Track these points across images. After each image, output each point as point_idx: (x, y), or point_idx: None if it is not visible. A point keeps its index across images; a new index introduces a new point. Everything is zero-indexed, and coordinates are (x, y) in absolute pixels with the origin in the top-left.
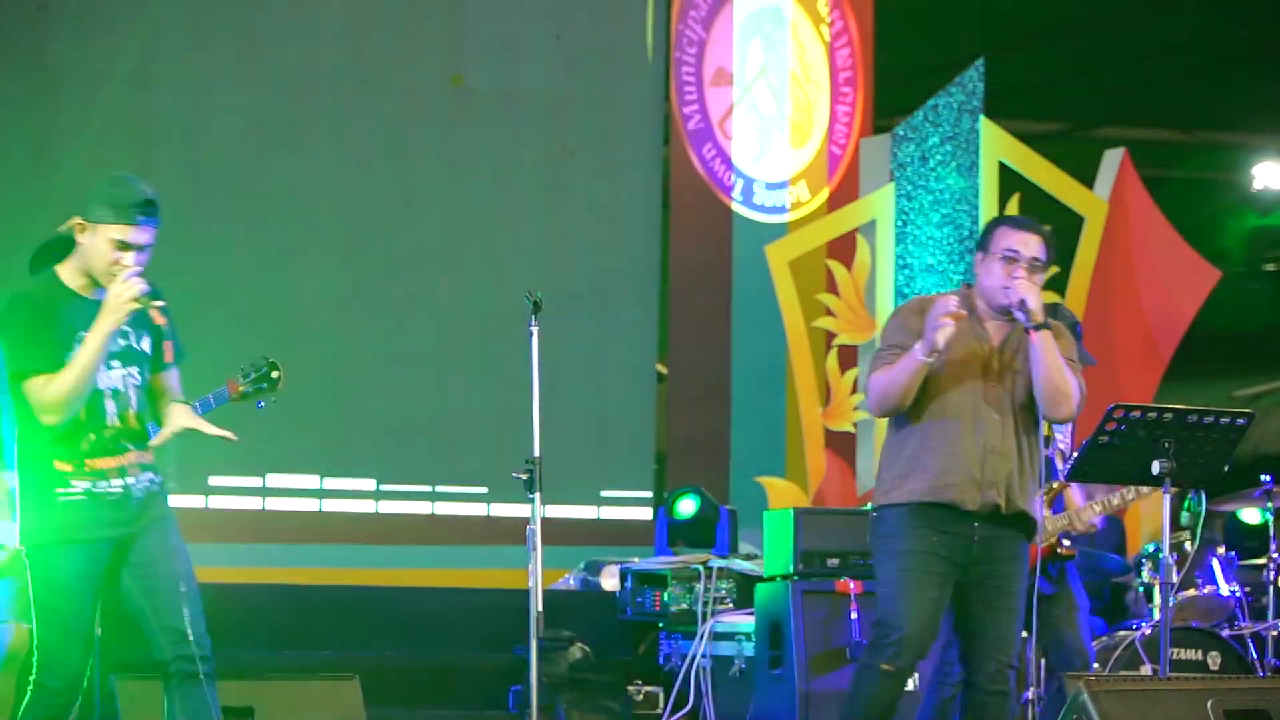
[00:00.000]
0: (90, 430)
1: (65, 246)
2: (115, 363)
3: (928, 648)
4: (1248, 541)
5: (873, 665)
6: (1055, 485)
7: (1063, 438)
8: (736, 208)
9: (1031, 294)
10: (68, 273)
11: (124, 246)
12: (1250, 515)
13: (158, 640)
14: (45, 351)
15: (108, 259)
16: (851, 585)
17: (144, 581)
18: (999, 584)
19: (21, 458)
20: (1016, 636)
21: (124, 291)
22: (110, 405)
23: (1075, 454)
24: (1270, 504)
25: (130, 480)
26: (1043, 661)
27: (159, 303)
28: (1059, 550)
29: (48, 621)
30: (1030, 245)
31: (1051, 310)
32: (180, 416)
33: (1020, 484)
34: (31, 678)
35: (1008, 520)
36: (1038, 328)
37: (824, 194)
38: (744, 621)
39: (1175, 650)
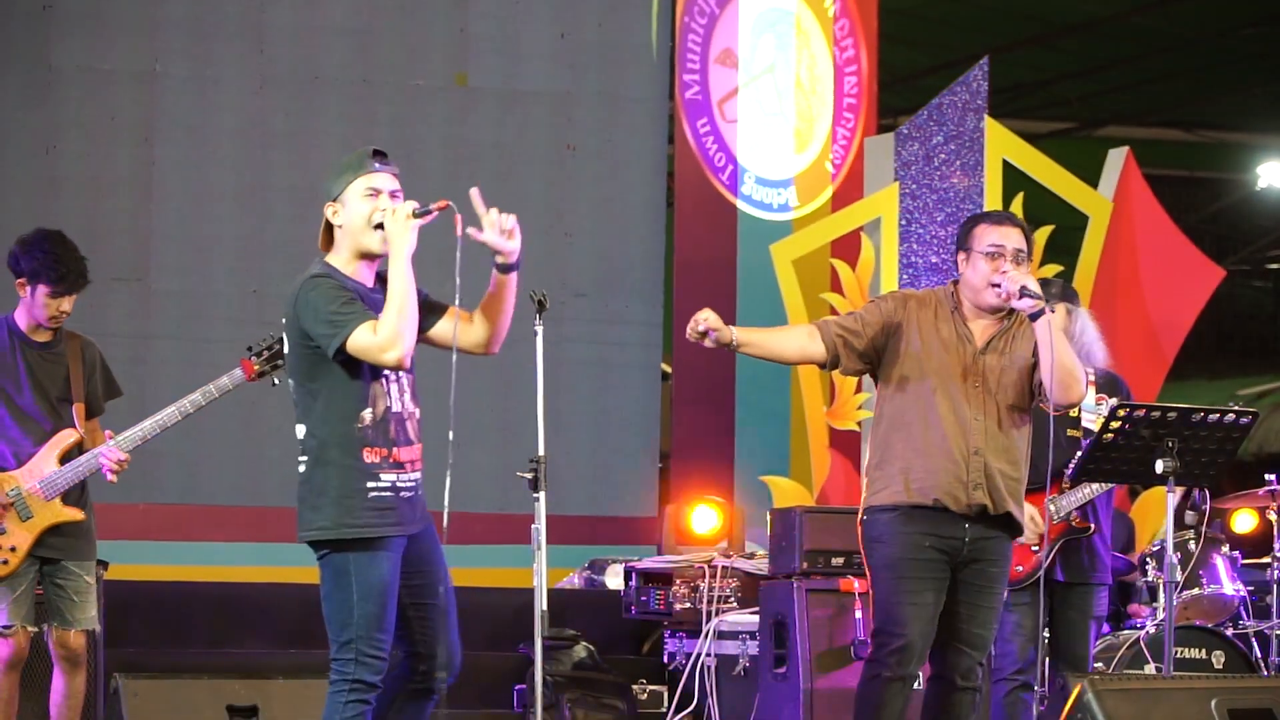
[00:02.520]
0: (394, 418)
1: None
2: None
3: (928, 648)
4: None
5: (878, 675)
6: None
7: (1089, 416)
8: (743, 206)
9: (1029, 279)
10: (338, 262)
11: (374, 193)
12: (1243, 522)
13: (404, 651)
14: (360, 309)
15: (365, 211)
16: (856, 584)
17: (411, 590)
18: (984, 585)
19: (328, 451)
20: (993, 634)
21: (399, 212)
22: (394, 389)
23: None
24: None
25: (419, 476)
26: (1046, 659)
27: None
28: (1074, 524)
29: (365, 619)
30: (1012, 238)
31: (1047, 286)
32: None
33: (1007, 485)
34: (348, 679)
35: (996, 521)
36: (1042, 312)
37: (812, 203)
38: (748, 620)
39: (1179, 649)
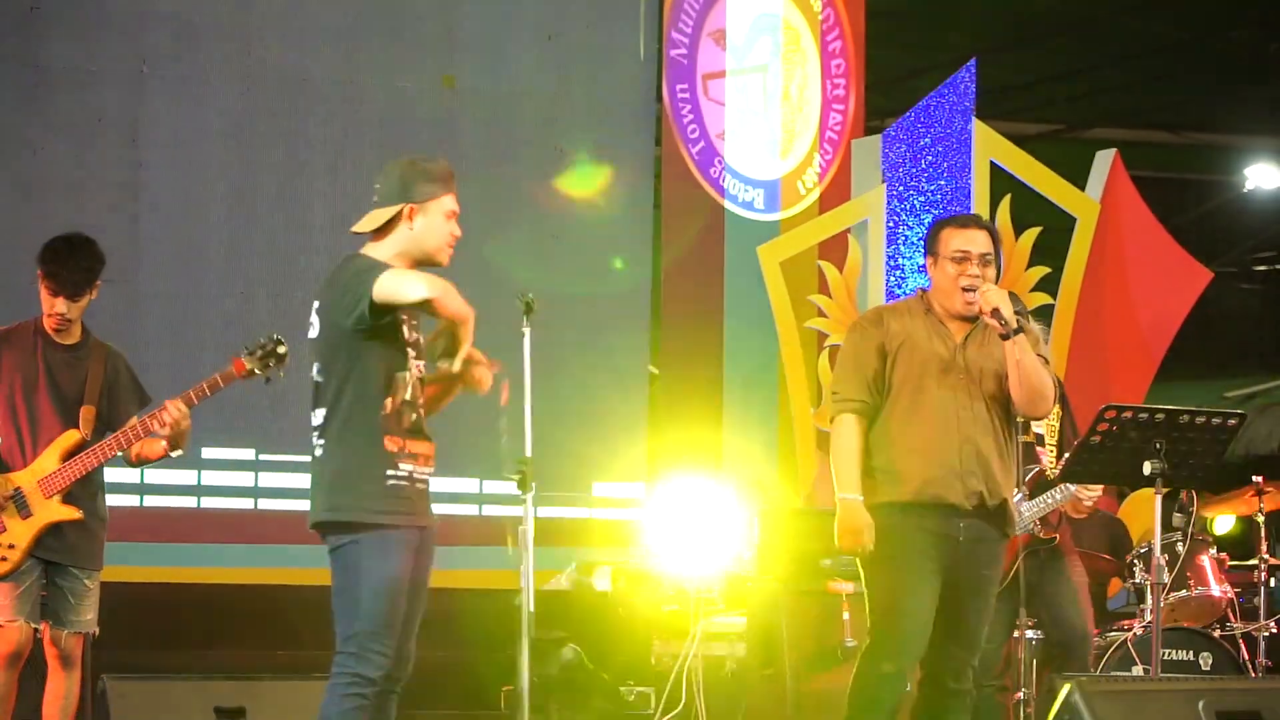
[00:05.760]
0: (411, 410)
1: None
2: (412, 351)
3: (924, 646)
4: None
5: (873, 668)
6: (1038, 469)
7: (1039, 422)
8: (730, 207)
9: (1001, 300)
10: (381, 255)
11: (453, 215)
12: (1222, 524)
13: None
14: None
15: (445, 232)
16: (843, 586)
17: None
18: (976, 587)
19: (348, 435)
20: (983, 636)
21: (464, 328)
22: (417, 388)
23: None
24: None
25: (432, 470)
26: (1034, 661)
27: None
28: (1039, 535)
29: (371, 615)
30: (978, 242)
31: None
32: None
33: (1000, 474)
34: (348, 673)
35: (992, 515)
36: (1014, 333)
37: (790, 210)
38: (736, 622)
39: (1167, 651)
